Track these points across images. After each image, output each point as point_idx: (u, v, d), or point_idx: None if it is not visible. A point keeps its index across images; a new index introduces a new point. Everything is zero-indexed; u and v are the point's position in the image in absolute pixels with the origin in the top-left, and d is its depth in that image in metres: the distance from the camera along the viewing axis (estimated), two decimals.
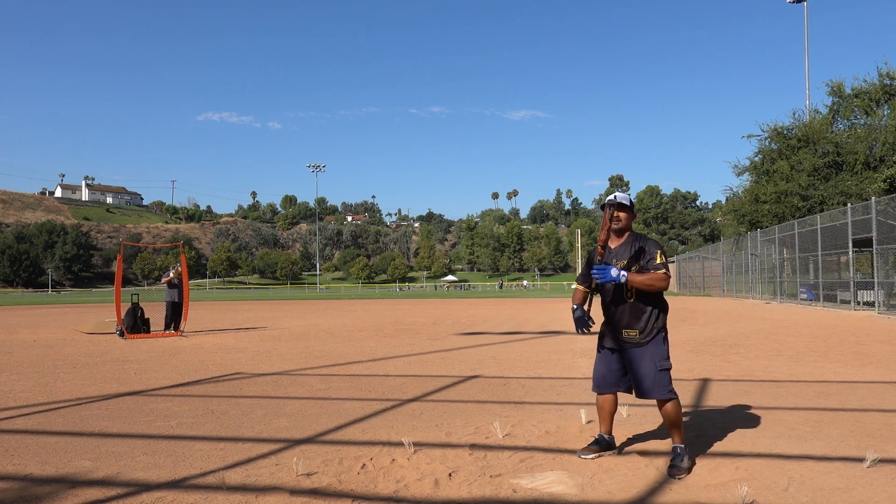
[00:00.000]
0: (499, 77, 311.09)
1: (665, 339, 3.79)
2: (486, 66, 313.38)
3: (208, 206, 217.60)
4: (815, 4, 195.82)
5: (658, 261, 3.69)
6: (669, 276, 3.71)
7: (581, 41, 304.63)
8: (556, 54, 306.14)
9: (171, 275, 14.00)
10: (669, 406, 3.71)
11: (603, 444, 3.96)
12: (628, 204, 3.86)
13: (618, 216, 3.85)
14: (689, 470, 3.61)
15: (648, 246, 3.76)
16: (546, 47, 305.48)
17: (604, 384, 3.95)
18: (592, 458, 3.86)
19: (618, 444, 4.09)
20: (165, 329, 13.74)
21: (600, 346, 3.99)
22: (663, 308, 3.82)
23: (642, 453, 3.98)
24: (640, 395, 3.78)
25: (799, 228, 23.27)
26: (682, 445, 3.70)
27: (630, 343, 3.78)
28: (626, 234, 3.89)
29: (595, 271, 3.68)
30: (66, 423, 5.09)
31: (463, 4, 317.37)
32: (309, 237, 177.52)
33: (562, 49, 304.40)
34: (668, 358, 3.77)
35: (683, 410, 5.21)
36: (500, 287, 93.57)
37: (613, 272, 3.62)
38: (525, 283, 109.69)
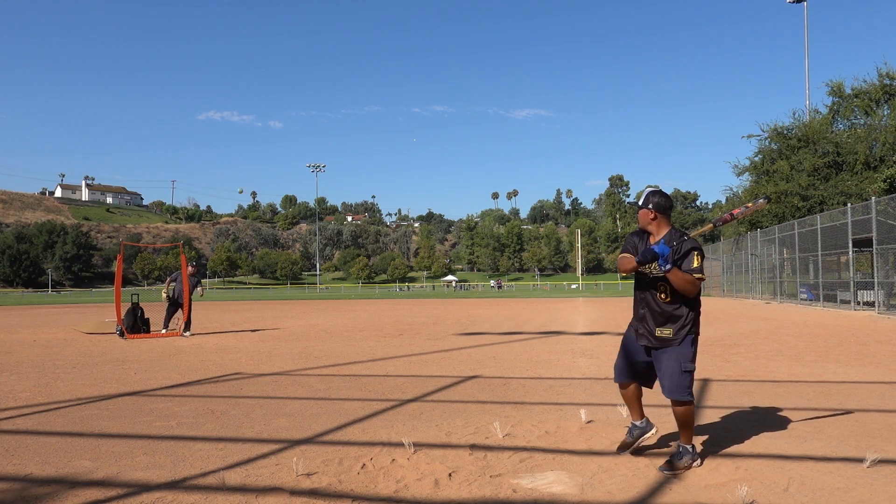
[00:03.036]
0: (503, 76, 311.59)
1: (694, 341, 3.73)
2: (490, 64, 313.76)
3: (208, 206, 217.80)
4: (815, 4, 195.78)
5: (694, 264, 3.58)
6: (701, 280, 3.63)
7: (583, 41, 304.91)
8: (560, 53, 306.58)
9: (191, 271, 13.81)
10: (683, 408, 3.70)
11: (637, 433, 3.93)
12: (640, 203, 3.78)
13: (637, 217, 3.84)
14: (686, 469, 3.61)
15: (684, 246, 3.63)
16: (550, 46, 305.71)
17: (623, 375, 3.95)
18: (627, 453, 3.90)
19: (618, 444, 4.09)
20: (185, 330, 13.37)
21: (627, 339, 3.94)
22: (697, 310, 3.76)
23: (642, 453, 3.98)
24: (664, 392, 3.76)
25: (799, 228, 23.27)
26: (689, 446, 3.70)
27: (662, 342, 3.73)
28: (664, 231, 3.75)
29: (656, 246, 3.54)
30: (66, 423, 5.09)
31: (468, 3, 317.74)
32: (309, 237, 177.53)
33: (565, 48, 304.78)
34: (693, 361, 3.73)
35: None
36: (500, 287, 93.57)
37: (664, 253, 3.50)
38: (506, 283, 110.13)
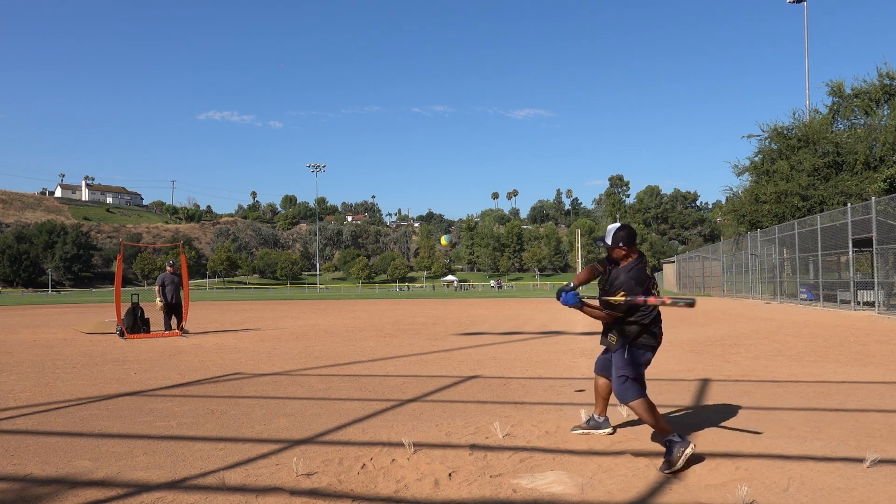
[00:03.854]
0: (503, 76, 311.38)
1: (630, 350, 4.02)
2: (490, 64, 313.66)
3: (208, 206, 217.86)
4: (815, 4, 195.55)
5: (612, 299, 3.98)
6: (614, 310, 4.02)
7: (583, 41, 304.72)
8: (560, 53, 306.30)
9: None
10: (633, 405, 3.96)
11: (592, 424, 4.45)
12: (610, 243, 4.07)
13: None
14: (681, 458, 3.56)
15: (618, 281, 4.03)
16: (550, 46, 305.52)
17: (598, 367, 4.48)
18: (579, 433, 4.41)
19: (617, 445, 4.09)
20: (165, 329, 13.65)
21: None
22: (640, 324, 4.01)
23: (642, 453, 3.98)
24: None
25: (799, 228, 23.26)
26: (671, 436, 3.69)
27: (611, 347, 4.20)
28: (628, 259, 4.08)
29: (561, 297, 4.11)
30: (66, 423, 5.09)
31: (468, 3, 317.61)
32: (309, 237, 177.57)
33: (565, 48, 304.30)
34: (630, 367, 3.99)
35: (684, 411, 5.23)
36: (500, 287, 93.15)
37: (570, 301, 4.06)
38: (506, 283, 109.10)
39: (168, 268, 13.87)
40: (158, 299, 13.64)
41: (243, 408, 5.60)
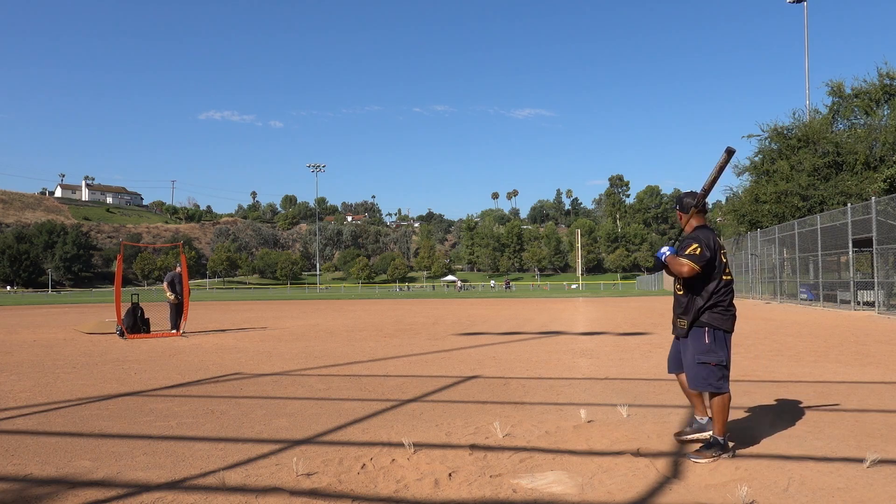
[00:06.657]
0: (503, 76, 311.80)
1: (708, 334, 3.94)
2: (490, 64, 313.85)
3: (208, 206, 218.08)
4: (815, 4, 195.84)
5: (687, 251, 3.93)
6: (688, 266, 3.89)
7: (583, 41, 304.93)
8: (560, 53, 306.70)
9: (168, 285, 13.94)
10: (713, 399, 3.91)
11: (695, 426, 4.13)
12: (676, 204, 4.33)
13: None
14: (712, 459, 3.76)
15: (688, 239, 4.05)
16: (550, 46, 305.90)
17: (671, 364, 4.32)
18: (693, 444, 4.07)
19: (617, 445, 4.09)
20: (172, 329, 13.66)
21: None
22: (708, 304, 3.96)
23: (642, 453, 3.97)
24: (687, 383, 4.07)
25: (799, 228, 23.26)
26: (719, 438, 3.87)
27: (680, 333, 4.11)
28: (692, 229, 4.16)
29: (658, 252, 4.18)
30: (66, 423, 5.09)
31: (468, 3, 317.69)
32: (309, 237, 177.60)
33: (565, 48, 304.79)
34: (710, 353, 3.91)
35: (684, 411, 5.22)
36: (508, 287, 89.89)
37: (662, 250, 4.11)
38: (493, 283, 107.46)
39: (178, 267, 13.95)
40: (170, 294, 13.70)
41: (243, 408, 5.60)
